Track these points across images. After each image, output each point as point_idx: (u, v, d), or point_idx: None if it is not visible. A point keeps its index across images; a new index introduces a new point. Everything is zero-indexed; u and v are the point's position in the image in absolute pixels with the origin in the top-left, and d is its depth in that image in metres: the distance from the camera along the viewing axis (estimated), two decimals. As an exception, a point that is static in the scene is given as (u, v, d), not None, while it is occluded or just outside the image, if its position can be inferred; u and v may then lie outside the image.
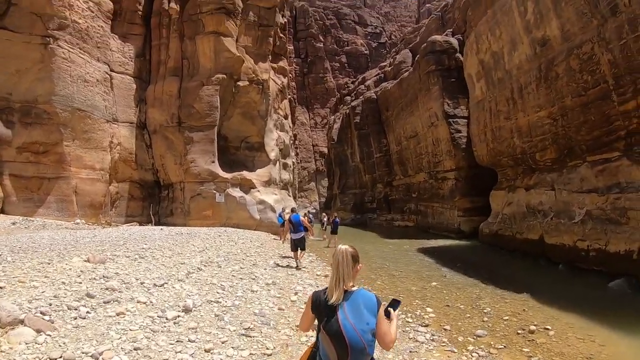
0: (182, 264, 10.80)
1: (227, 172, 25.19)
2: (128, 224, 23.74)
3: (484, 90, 19.68)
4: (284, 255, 15.62)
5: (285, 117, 36.46)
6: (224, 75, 25.37)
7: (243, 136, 28.69)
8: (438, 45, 26.73)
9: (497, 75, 18.24)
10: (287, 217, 19.07)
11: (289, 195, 33.18)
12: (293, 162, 40.63)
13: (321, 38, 77.37)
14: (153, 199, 26.99)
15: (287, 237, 15.98)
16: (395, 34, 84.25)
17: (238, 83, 26.49)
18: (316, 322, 2.80)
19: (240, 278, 9.75)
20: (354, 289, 2.71)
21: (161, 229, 19.96)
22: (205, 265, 10.85)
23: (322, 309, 2.71)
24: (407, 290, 10.68)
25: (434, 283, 11.36)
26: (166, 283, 8.29)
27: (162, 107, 25.47)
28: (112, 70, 25.19)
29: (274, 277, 10.37)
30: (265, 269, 11.57)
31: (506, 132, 17.73)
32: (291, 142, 40.13)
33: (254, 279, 9.88)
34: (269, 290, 8.91)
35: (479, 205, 23.56)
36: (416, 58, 30.47)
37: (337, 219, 20.92)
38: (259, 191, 25.77)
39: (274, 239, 21.75)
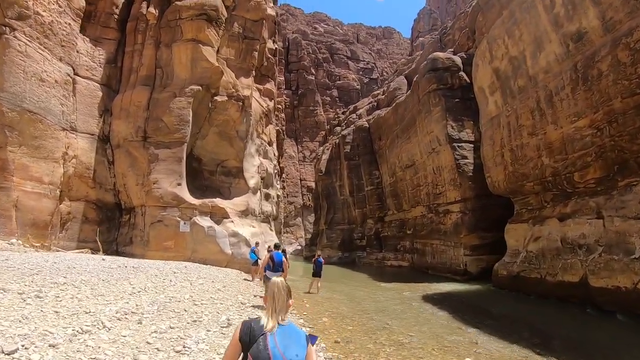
0: (87, 312, 7.46)
1: (198, 198, 21.75)
2: (79, 250, 20.06)
3: (500, 103, 16.79)
4: (247, 302, 12.07)
5: (270, 144, 33.44)
6: (200, 87, 22.35)
7: (219, 159, 25.46)
8: (440, 62, 24.10)
9: (518, 83, 15.39)
10: (261, 252, 16.20)
11: (271, 230, 29.63)
12: (278, 194, 37.40)
13: (313, 71, 76.15)
14: (112, 223, 23.28)
15: (262, 276, 13.21)
16: (387, 70, 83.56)
17: (215, 97, 23.49)
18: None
19: (157, 349, 6.15)
20: (284, 322, 2.77)
21: (103, 259, 16.32)
22: (118, 319, 7.39)
23: (251, 337, 2.68)
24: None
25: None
26: (24, 349, 5.22)
27: (128, 119, 22.22)
28: (76, 74, 22.05)
29: (213, 349, 6.58)
30: (209, 330, 7.76)
31: (531, 150, 14.67)
32: (276, 172, 36.98)
33: (178, 351, 6.20)
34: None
35: (488, 242, 20.22)
36: (415, 78, 27.81)
37: (321, 259, 16.93)
38: (232, 222, 22.19)
39: (245, 279, 18.07)
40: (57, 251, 18.67)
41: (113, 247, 22.57)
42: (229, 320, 8.80)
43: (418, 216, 28.06)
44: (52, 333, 5.92)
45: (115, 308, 8.07)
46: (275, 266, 11.91)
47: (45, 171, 19.33)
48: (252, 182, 25.81)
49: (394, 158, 31.39)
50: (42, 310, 7.07)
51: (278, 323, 2.72)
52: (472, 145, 22.10)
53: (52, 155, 19.73)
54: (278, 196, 37.36)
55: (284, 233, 56.63)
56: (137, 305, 8.63)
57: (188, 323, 7.98)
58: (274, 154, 36.39)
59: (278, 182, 39.97)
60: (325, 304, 14.28)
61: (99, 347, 5.71)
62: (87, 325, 6.55)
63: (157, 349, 6.12)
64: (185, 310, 9.01)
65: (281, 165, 49.86)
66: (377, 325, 10.70)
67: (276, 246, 13.98)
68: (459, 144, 22.11)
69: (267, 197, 30.86)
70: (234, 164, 25.58)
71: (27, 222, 18.36)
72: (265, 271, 12.40)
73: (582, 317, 10.69)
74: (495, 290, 16.38)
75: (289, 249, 57.85)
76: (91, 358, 5.29)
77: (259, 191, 27.49)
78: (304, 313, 12.14)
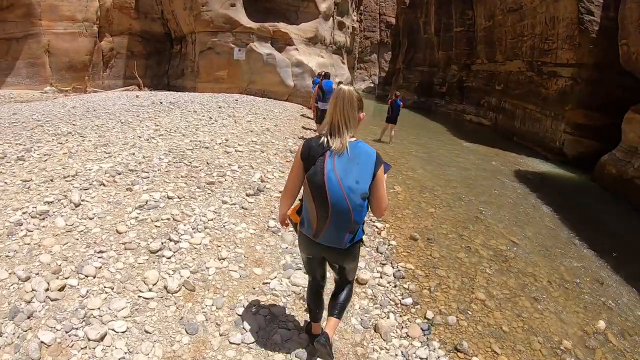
0: (64, 177, 5.58)
1: (258, 22, 18.77)
2: (125, 88, 18.81)
3: None
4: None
5: (348, -36, 28.25)
6: None
7: (284, -22, 21.53)
8: None
9: None
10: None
11: (343, 63, 26.61)
12: (354, 25, 33.01)
13: None
14: (162, 56, 21.55)
15: (315, 109, 11.89)
16: None
17: None
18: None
19: (123, 245, 4.01)
20: (352, 139, 2.19)
21: (137, 96, 14.78)
22: (102, 184, 5.42)
23: (310, 158, 2.19)
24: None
25: (610, 333, 4.41)
26: None
27: None
28: None
29: (214, 245, 4.29)
30: (225, 201, 5.37)
31: None
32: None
33: (154, 252, 3.98)
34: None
35: (596, 125, 16.04)
36: None
37: (399, 101, 13.73)
38: (297, 50, 19.45)
39: (303, 115, 15.89)
40: (94, 92, 17.47)
41: (164, 81, 21.12)
42: (262, 180, 6.36)
43: (514, 71, 23.56)
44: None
45: (107, 166, 6.05)
46: (326, 96, 10.43)
47: (77, 8, 17.65)
48: (323, 6, 22.12)
49: (496, -3, 25.55)
50: (6, 182, 5.26)
51: (344, 141, 2.13)
52: (602, 1, 16.57)
53: (83, -11, 17.78)
54: (354, 28, 33.11)
55: (358, 69, 52.87)
56: (143, 158, 6.57)
57: (199, 188, 5.70)
58: (352, -23, 31.22)
59: (354, 12, 35.13)
60: (399, 160, 11.28)
61: (40, 246, 3.80)
62: (47, 202, 4.63)
63: (123, 245, 4.01)
64: (207, 163, 6.74)
65: (360, -4, 44.00)
66: (467, 212, 7.57)
67: (326, 75, 12.00)
68: (589, -6, 16.63)
69: (341, 26, 27.25)
70: (304, -16, 21.73)
71: (62, 66, 17.32)
72: (317, 103, 11.18)
73: None
74: (596, 186, 13.17)
75: (362, 86, 54.68)
76: (10, 274, 3.33)
77: (331, 18, 24.01)
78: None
